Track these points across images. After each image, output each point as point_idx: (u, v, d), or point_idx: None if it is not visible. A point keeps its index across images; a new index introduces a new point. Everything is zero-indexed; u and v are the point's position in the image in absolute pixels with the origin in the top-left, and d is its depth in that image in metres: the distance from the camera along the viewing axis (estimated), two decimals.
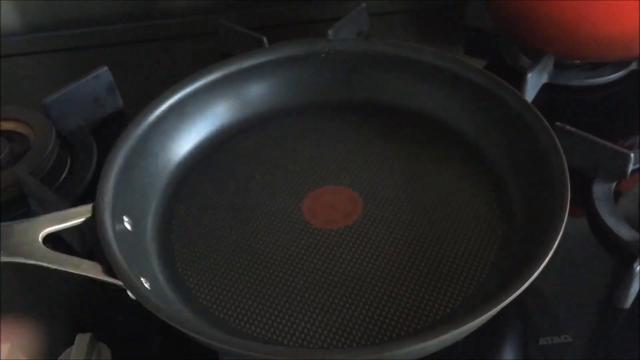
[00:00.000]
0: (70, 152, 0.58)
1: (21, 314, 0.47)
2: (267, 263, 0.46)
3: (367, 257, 0.46)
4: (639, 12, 0.54)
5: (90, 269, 0.41)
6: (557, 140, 0.46)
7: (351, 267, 0.45)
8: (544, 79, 0.61)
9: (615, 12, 0.55)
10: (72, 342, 0.42)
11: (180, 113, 0.52)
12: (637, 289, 0.44)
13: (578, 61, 0.62)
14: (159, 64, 0.70)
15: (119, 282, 0.40)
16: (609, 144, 0.51)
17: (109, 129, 0.61)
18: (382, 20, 0.72)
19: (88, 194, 0.54)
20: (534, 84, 0.59)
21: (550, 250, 0.39)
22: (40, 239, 0.41)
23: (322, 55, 0.56)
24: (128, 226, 0.45)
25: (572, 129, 0.52)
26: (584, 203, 0.51)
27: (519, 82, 0.58)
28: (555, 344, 0.43)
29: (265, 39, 0.63)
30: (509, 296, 0.37)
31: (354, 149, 0.53)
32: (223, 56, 0.57)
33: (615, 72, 0.62)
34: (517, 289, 0.37)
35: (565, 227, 0.40)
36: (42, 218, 0.43)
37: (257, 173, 0.52)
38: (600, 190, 0.51)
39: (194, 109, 0.53)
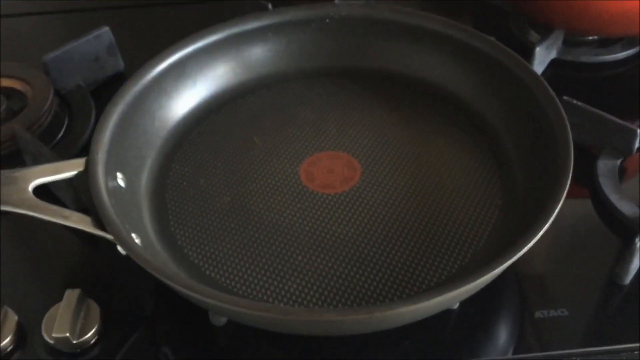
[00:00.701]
0: (69, 111, 0.57)
1: (11, 268, 0.46)
2: (261, 225, 0.45)
3: (363, 222, 0.45)
4: None
5: (80, 221, 0.40)
6: (562, 110, 0.45)
7: (347, 231, 0.44)
8: (553, 54, 0.60)
9: None
10: (61, 298, 0.42)
11: (180, 73, 0.52)
12: (637, 265, 0.43)
13: (589, 37, 0.61)
14: (162, 28, 0.69)
15: (109, 236, 0.39)
16: (616, 119, 0.50)
17: (109, 90, 0.60)
18: None
19: (84, 154, 0.53)
20: (542, 58, 0.58)
21: (548, 220, 0.38)
22: (30, 189, 0.41)
23: (327, 20, 0.55)
24: (121, 183, 0.45)
25: (579, 104, 0.51)
26: (587, 179, 0.50)
27: (527, 56, 0.56)
28: (551, 317, 0.42)
29: (270, 5, 0.62)
30: (501, 265, 0.36)
31: (355, 115, 0.53)
32: (226, 20, 0.56)
33: (625, 49, 0.61)
34: (510, 258, 0.36)
35: (568, 203, 0.39)
36: (34, 169, 0.42)
37: (255, 136, 0.51)
38: (605, 166, 0.50)
39: (194, 69, 0.53)
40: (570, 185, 0.40)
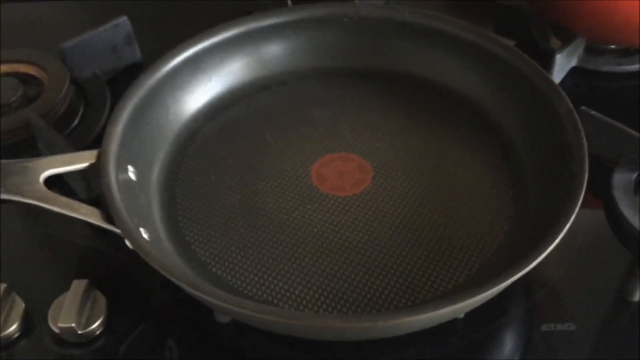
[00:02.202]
0: (84, 100, 0.57)
1: (20, 255, 0.47)
2: (270, 225, 0.45)
3: (372, 226, 0.45)
4: None
5: (89, 214, 0.40)
6: (579, 122, 0.44)
7: (355, 235, 0.44)
8: (574, 62, 0.59)
9: None
10: (68, 288, 0.42)
11: (195, 67, 0.52)
12: None
13: (611, 47, 0.60)
14: (180, 19, 0.69)
15: (117, 230, 0.39)
16: (634, 132, 0.49)
17: (125, 80, 0.59)
18: None
19: (98, 144, 0.53)
20: (562, 65, 0.57)
21: (559, 235, 0.37)
22: (41, 180, 0.41)
23: (345, 20, 0.54)
24: (132, 176, 0.45)
25: (597, 114, 0.50)
26: (602, 190, 0.49)
27: (548, 62, 0.56)
28: (558, 331, 0.42)
29: (289, 1, 0.61)
30: (509, 278, 0.36)
31: (370, 117, 0.52)
32: (246, 15, 0.56)
33: None
34: (519, 272, 0.36)
35: (580, 213, 0.39)
36: (45, 159, 0.42)
37: (268, 134, 0.51)
38: (621, 179, 0.49)
39: (210, 64, 0.52)
40: (583, 196, 0.40)
